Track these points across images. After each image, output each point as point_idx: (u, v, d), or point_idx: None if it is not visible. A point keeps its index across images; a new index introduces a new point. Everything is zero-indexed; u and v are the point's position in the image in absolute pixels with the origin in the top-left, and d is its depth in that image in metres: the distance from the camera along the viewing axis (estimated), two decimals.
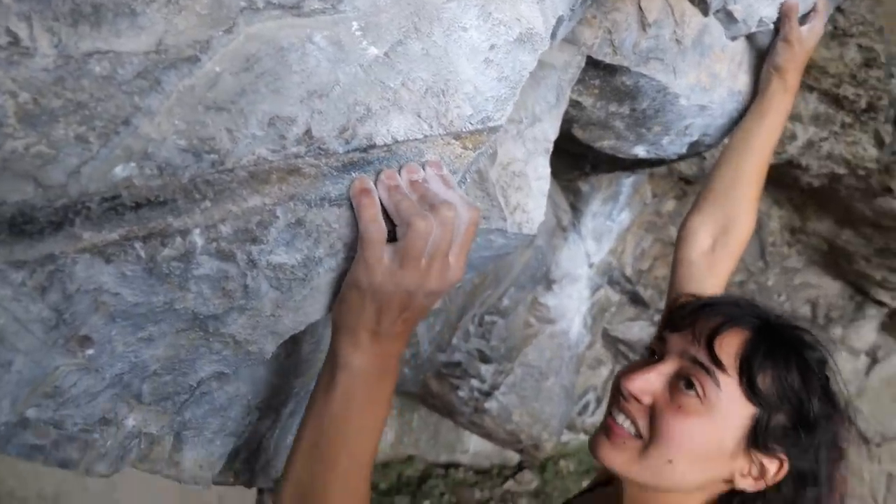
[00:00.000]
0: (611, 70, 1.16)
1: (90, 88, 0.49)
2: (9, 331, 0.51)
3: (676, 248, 1.29)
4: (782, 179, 2.25)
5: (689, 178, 2.28)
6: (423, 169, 0.63)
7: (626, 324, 2.88)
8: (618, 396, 0.82)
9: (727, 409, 0.76)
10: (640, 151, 1.38)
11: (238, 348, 0.64)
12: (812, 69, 1.70)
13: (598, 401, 3.28)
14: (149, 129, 0.51)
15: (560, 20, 0.76)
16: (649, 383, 0.79)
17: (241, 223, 0.57)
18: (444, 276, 0.60)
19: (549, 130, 1.10)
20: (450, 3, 0.63)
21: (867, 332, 3.09)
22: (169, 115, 0.52)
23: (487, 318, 1.94)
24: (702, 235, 1.23)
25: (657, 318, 2.83)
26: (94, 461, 0.62)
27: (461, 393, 2.15)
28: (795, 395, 0.76)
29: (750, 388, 0.76)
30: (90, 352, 0.56)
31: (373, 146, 0.60)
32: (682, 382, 0.78)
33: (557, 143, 1.19)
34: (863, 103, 1.75)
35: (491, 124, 0.67)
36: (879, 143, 1.88)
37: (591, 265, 2.27)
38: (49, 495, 2.54)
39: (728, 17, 1.21)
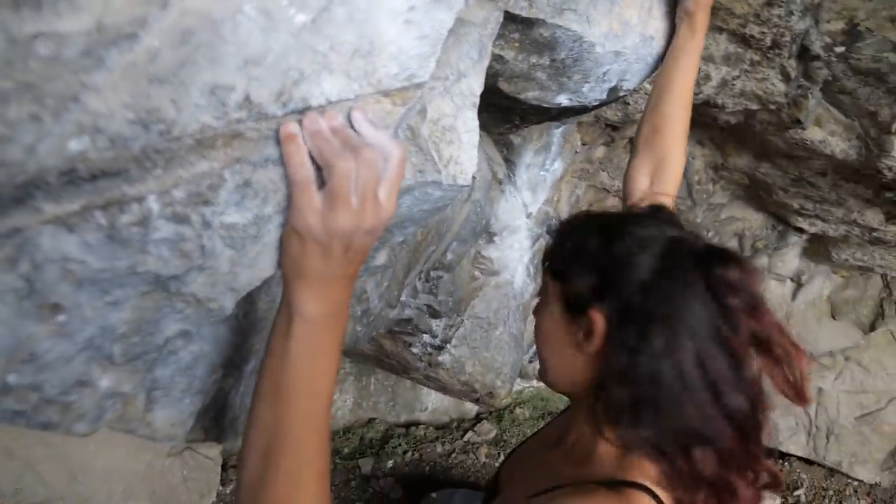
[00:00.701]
0: (528, 23, 1.24)
1: (38, 69, 0.53)
2: None
3: (623, 195, 1.41)
4: (702, 119, 2.39)
5: (615, 124, 2.40)
6: (350, 116, 0.69)
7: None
8: None
9: (552, 298, 0.91)
10: (564, 100, 1.47)
11: (199, 306, 0.69)
12: (720, 11, 1.82)
13: None
14: (97, 105, 0.56)
15: None
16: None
17: (192, 187, 0.62)
18: (377, 213, 0.66)
19: (475, 85, 1.16)
20: None
21: (791, 258, 3.34)
22: (115, 90, 0.56)
23: (433, 273, 2.03)
24: (640, 178, 1.34)
25: None
26: (73, 422, 0.67)
27: (414, 349, 2.24)
28: (588, 254, 0.88)
29: (548, 267, 0.94)
30: (61, 318, 0.61)
31: (308, 107, 0.66)
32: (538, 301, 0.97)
33: (486, 99, 1.26)
34: (768, 41, 1.89)
35: (416, 80, 0.73)
36: (786, 77, 2.03)
37: (528, 215, 2.38)
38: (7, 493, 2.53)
39: None
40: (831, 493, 3.59)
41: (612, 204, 2.74)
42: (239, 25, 0.61)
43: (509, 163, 2.13)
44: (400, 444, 3.48)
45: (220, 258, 0.67)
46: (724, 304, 0.79)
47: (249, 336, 0.89)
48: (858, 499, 3.55)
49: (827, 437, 3.61)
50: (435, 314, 2.15)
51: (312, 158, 0.65)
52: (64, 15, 0.53)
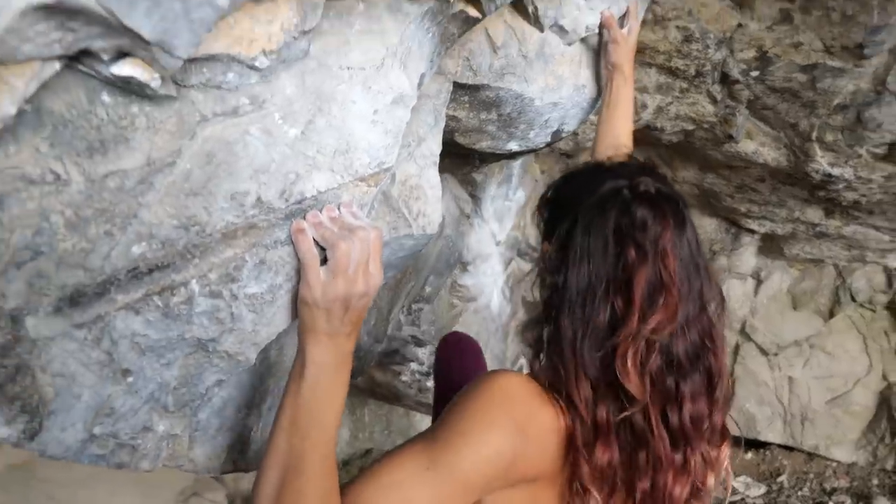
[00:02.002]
0: (475, 88, 1.46)
1: (109, 198, 0.73)
2: (78, 373, 0.75)
3: None
4: (648, 139, 2.65)
5: (568, 153, 2.64)
6: (339, 208, 0.90)
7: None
8: None
9: None
10: (513, 146, 1.69)
11: (231, 359, 0.89)
12: (646, 50, 2.07)
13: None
14: (150, 217, 0.76)
15: (422, 76, 1.05)
16: None
17: (222, 270, 0.82)
18: (369, 281, 0.87)
19: (434, 146, 1.38)
20: (340, 86, 0.90)
21: (748, 257, 3.60)
22: (162, 205, 0.77)
23: (414, 306, 2.22)
24: None
25: None
26: (139, 461, 0.86)
27: (404, 378, 2.43)
28: (548, 197, 1.11)
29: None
30: (130, 379, 0.80)
31: (304, 199, 0.87)
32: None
33: (447, 148, 1.48)
34: (692, 71, 2.14)
35: (385, 166, 0.95)
36: (713, 100, 2.29)
37: (498, 243, 2.60)
38: None
39: (560, 30, 1.53)
40: (812, 476, 3.82)
41: None
42: (248, 144, 0.82)
43: (475, 198, 2.35)
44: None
45: (245, 321, 0.87)
46: (622, 245, 0.94)
47: (265, 379, 1.09)
48: (838, 479, 3.78)
49: (802, 423, 3.85)
50: (420, 343, 2.34)
51: (316, 242, 0.85)
52: (124, 156, 0.74)
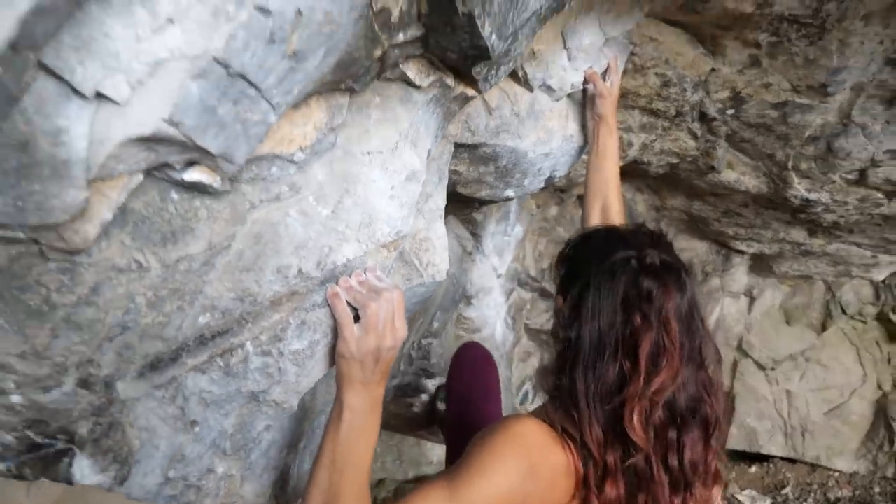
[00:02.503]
0: (473, 146, 1.63)
1: (179, 279, 0.88)
2: (157, 427, 0.89)
3: None
4: (636, 171, 2.82)
5: (562, 188, 2.81)
6: (365, 272, 1.06)
7: (543, 316, 3.39)
8: None
9: None
10: (510, 193, 1.86)
11: (277, 407, 1.04)
12: (629, 95, 2.25)
13: (535, 389, 3.77)
14: (212, 292, 0.92)
15: (429, 151, 1.21)
16: None
17: (271, 332, 0.98)
18: (395, 335, 1.02)
19: (440, 201, 1.54)
20: (363, 169, 1.07)
21: (740, 276, 3.75)
22: (221, 282, 0.93)
23: (423, 341, 2.37)
24: None
25: None
26: (203, 499, 1.00)
27: (415, 409, 2.57)
28: (565, 256, 1.23)
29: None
30: (197, 429, 0.95)
31: (336, 267, 1.03)
32: None
33: (449, 197, 1.64)
34: (672, 111, 2.32)
35: (402, 234, 1.11)
36: (694, 136, 2.46)
37: (499, 276, 2.75)
38: None
39: (548, 89, 1.70)
40: (815, 486, 3.92)
41: None
42: (289, 225, 0.98)
43: (476, 235, 2.51)
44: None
45: (290, 373, 1.02)
46: (629, 313, 1.05)
47: (301, 423, 1.23)
48: (840, 488, 3.89)
49: (802, 435, 3.97)
50: (430, 375, 2.48)
51: (349, 303, 1.01)
52: (190, 243, 0.90)
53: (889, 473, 3.85)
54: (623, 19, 1.75)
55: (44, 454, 0.84)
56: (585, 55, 1.71)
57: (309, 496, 1.01)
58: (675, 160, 2.63)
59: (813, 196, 2.61)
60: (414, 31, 0.97)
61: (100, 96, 0.70)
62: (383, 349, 1.00)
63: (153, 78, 0.72)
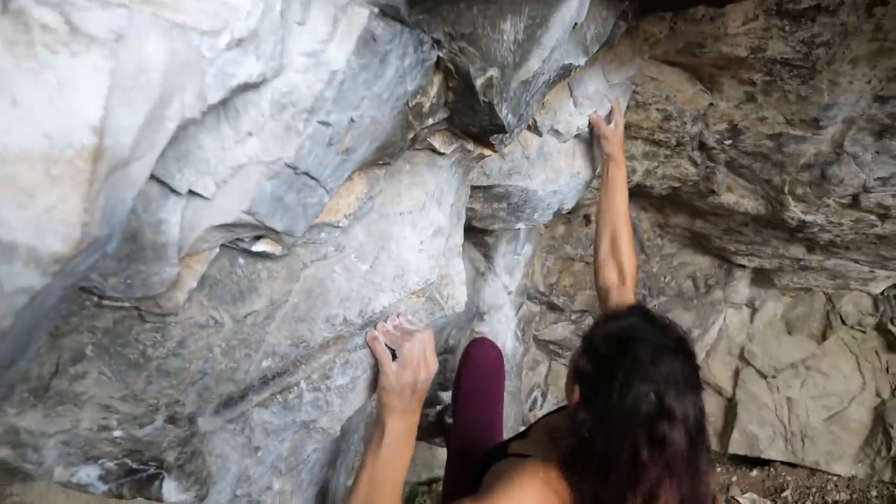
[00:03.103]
0: (488, 188, 1.80)
1: (247, 331, 1.07)
2: (229, 454, 1.08)
3: (598, 289, 1.90)
4: (641, 193, 2.98)
5: (569, 210, 2.98)
6: (398, 316, 1.24)
7: (551, 327, 3.56)
8: None
9: None
10: (521, 225, 2.03)
11: (324, 433, 1.22)
12: (632, 127, 2.41)
13: (544, 395, 3.95)
14: (273, 340, 1.10)
15: (452, 206, 1.39)
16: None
17: (320, 371, 1.16)
18: (428, 368, 1.20)
19: (458, 239, 1.71)
20: (395, 227, 1.24)
21: (742, 288, 3.90)
22: (280, 331, 1.10)
23: (440, 357, 2.55)
24: (610, 276, 1.85)
25: (574, 317, 3.52)
26: None
27: (430, 418, 2.75)
28: (586, 351, 1.27)
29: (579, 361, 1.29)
30: (259, 454, 1.13)
31: (374, 314, 1.20)
32: None
33: (465, 229, 1.81)
34: (673, 142, 2.48)
35: (430, 282, 1.28)
36: (694, 163, 2.62)
37: (509, 293, 2.93)
38: None
39: (556, 133, 1.87)
40: (814, 490, 4.08)
41: (578, 269, 3.30)
42: (335, 280, 1.16)
43: (487, 257, 2.68)
44: (425, 501, 3.92)
45: (335, 405, 1.20)
46: (637, 451, 1.11)
47: (339, 443, 1.41)
48: (839, 492, 4.04)
49: (802, 441, 4.13)
50: (445, 388, 2.66)
51: (386, 345, 1.19)
52: (255, 300, 1.07)
53: (886, 477, 4.00)
54: (625, 68, 1.91)
55: (139, 478, 1.02)
56: (590, 101, 1.88)
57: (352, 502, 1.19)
58: (676, 184, 2.80)
59: (809, 218, 2.77)
60: (441, 115, 1.15)
61: (191, 193, 0.88)
62: (419, 381, 1.18)
63: (235, 178, 0.89)
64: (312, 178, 0.95)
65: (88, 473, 1.00)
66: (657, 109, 2.32)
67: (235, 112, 0.85)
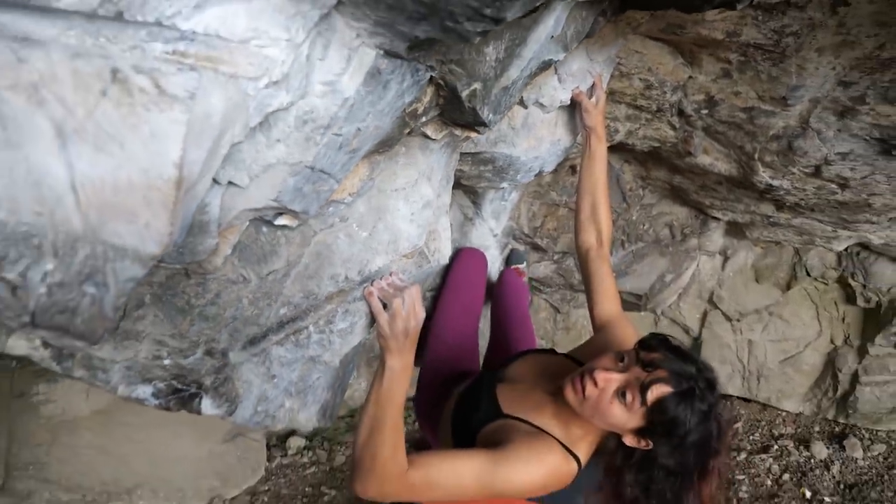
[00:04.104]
0: (475, 153, 2.04)
1: (268, 286, 1.34)
2: (253, 379, 1.38)
3: (577, 249, 2.11)
4: (624, 149, 3.21)
5: None
6: (391, 275, 1.51)
7: (534, 266, 3.85)
8: (589, 369, 1.45)
9: (635, 415, 1.40)
10: (505, 185, 2.28)
11: (326, 365, 1.52)
12: (616, 93, 2.62)
13: None
14: (288, 293, 1.38)
15: (441, 179, 1.64)
16: (609, 382, 1.41)
17: (325, 317, 1.44)
18: (416, 318, 1.44)
19: (447, 198, 1.96)
20: (391, 201, 1.50)
21: (716, 237, 4.18)
22: (293, 286, 1.38)
23: (427, 294, 2.85)
24: (589, 239, 2.04)
25: (556, 258, 3.81)
26: (276, 423, 1.50)
27: None
28: (674, 427, 1.39)
29: (651, 419, 1.39)
30: (275, 380, 1.43)
31: (371, 273, 1.48)
32: (621, 391, 1.40)
33: (454, 184, 2.06)
34: (654, 107, 2.69)
35: (418, 247, 1.55)
36: (673, 127, 2.84)
37: (495, 235, 3.20)
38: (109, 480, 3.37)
39: (540, 106, 2.09)
40: (764, 423, 4.53)
41: (562, 214, 3.55)
42: (339, 245, 1.43)
43: (476, 204, 2.93)
44: (409, 414, 4.34)
45: (336, 343, 1.50)
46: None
47: (338, 371, 1.72)
48: (785, 426, 4.49)
49: (758, 379, 4.53)
50: (429, 317, 2.99)
51: (380, 299, 1.46)
52: (275, 262, 1.35)
53: (830, 416, 4.44)
54: (608, 48, 2.11)
55: (182, 396, 1.32)
56: (573, 78, 2.09)
57: (361, 423, 1.44)
58: (656, 144, 3.02)
59: (776, 183, 3.02)
60: (433, 113, 1.38)
61: (230, 183, 1.14)
62: (409, 328, 1.42)
63: (265, 174, 1.15)
64: (326, 173, 1.20)
65: (144, 391, 1.30)
66: (640, 79, 2.52)
67: (268, 125, 1.09)
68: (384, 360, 1.43)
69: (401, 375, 1.43)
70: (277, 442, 4.26)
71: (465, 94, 1.29)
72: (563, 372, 1.57)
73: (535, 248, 3.70)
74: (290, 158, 1.13)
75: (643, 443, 1.42)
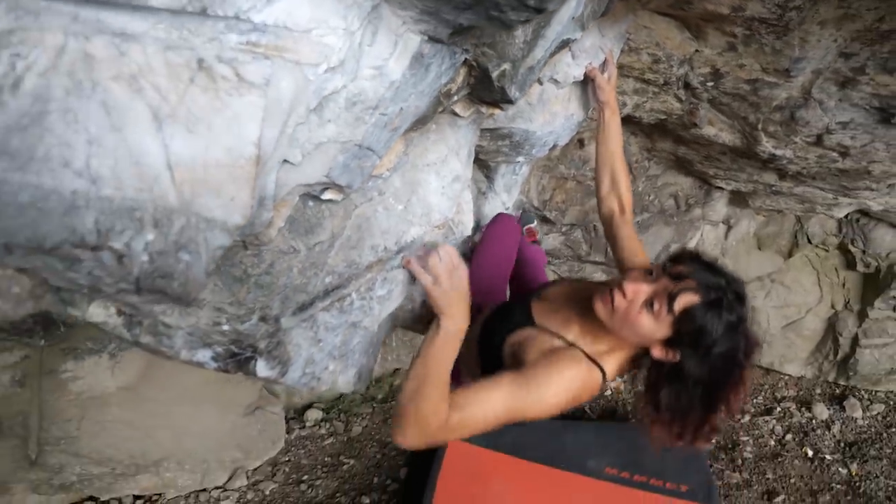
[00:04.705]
0: (494, 129, 2.14)
1: (315, 256, 1.46)
2: (302, 343, 1.50)
3: (602, 217, 2.19)
4: (631, 121, 3.30)
5: None
6: (424, 244, 1.62)
7: (543, 237, 3.97)
8: (618, 282, 1.48)
9: (662, 325, 1.42)
10: (521, 159, 2.38)
11: (366, 330, 1.64)
12: (624, 67, 2.71)
13: None
14: (332, 263, 1.49)
15: (468, 154, 1.74)
16: (637, 293, 1.44)
17: (367, 285, 1.56)
18: (460, 280, 1.54)
19: (468, 174, 2.07)
20: (423, 175, 1.61)
21: (720, 207, 4.30)
22: (338, 255, 1.50)
23: None
24: (613, 207, 2.14)
25: (564, 230, 3.92)
26: (320, 385, 1.62)
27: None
28: (701, 336, 1.39)
29: (678, 328, 1.41)
30: (321, 344, 1.55)
31: (406, 243, 1.59)
32: (649, 301, 1.43)
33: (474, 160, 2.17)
34: (661, 81, 2.79)
35: (449, 217, 1.66)
36: (679, 99, 2.94)
37: (507, 208, 3.31)
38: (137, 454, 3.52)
39: (555, 82, 2.18)
40: (767, 387, 4.68)
41: (570, 187, 3.66)
42: (377, 217, 1.54)
43: (488, 178, 3.04)
44: None
45: (375, 309, 1.61)
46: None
47: (373, 337, 1.84)
48: (788, 389, 4.65)
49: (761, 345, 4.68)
50: None
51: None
52: (320, 233, 1.46)
53: (830, 378, 4.59)
54: (619, 24, 2.20)
55: (239, 359, 1.44)
56: (586, 54, 2.18)
57: (408, 379, 1.46)
58: (663, 116, 3.12)
59: (779, 152, 3.12)
60: (464, 92, 1.49)
61: (284, 161, 1.24)
62: (455, 287, 1.44)
63: (317, 151, 1.25)
64: (371, 150, 1.31)
65: (204, 355, 1.42)
66: (648, 53, 2.61)
67: (320, 107, 1.19)
68: (438, 322, 1.45)
69: (454, 338, 1.45)
70: (295, 415, 4.40)
71: (495, 74, 1.39)
72: (594, 293, 1.59)
73: (545, 220, 3.81)
74: (341, 137, 1.24)
75: (671, 354, 1.44)
